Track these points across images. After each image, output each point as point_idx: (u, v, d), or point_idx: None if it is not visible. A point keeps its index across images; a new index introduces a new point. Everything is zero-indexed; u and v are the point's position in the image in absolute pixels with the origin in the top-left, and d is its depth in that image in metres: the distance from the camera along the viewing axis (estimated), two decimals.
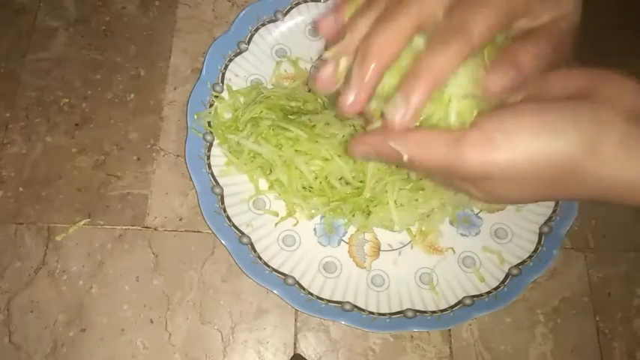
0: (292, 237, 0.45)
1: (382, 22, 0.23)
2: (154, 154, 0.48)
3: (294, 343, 0.43)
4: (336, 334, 0.44)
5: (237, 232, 0.43)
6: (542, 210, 0.46)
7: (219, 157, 0.46)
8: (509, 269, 0.44)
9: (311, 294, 0.42)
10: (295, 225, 0.45)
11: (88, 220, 0.45)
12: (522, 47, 0.23)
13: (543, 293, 0.46)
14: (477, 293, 0.43)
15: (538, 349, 0.44)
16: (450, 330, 0.44)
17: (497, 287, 0.43)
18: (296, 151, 0.43)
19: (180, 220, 0.46)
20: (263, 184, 0.46)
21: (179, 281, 0.44)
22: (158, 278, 0.44)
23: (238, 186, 0.45)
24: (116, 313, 0.43)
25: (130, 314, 0.43)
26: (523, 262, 0.44)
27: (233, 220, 0.44)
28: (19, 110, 0.48)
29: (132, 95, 0.50)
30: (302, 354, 0.43)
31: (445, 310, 0.42)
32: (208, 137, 0.46)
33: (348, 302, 0.42)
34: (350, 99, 0.24)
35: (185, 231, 0.45)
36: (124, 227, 0.45)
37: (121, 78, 0.50)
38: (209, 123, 0.46)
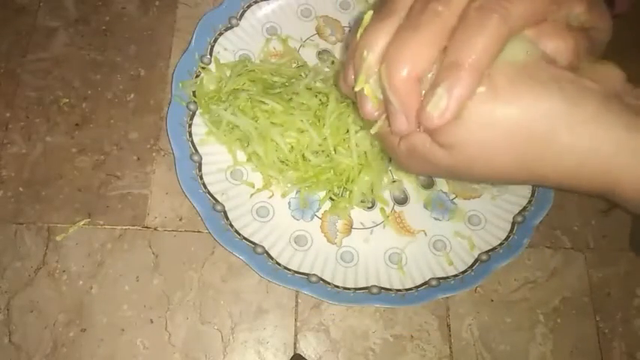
0: (266, 209, 0.46)
1: (406, 30, 0.21)
2: (153, 154, 0.48)
3: (294, 343, 0.43)
4: (336, 334, 0.44)
5: (211, 199, 0.44)
6: (518, 200, 0.47)
7: (201, 126, 0.47)
8: (478, 255, 0.45)
9: (278, 264, 0.43)
10: (270, 197, 0.46)
11: (88, 220, 0.45)
12: (574, 31, 0.22)
13: (543, 293, 0.46)
14: (444, 275, 0.44)
15: (538, 349, 0.44)
16: (450, 330, 0.44)
17: (465, 271, 0.44)
18: (272, 123, 0.44)
19: (180, 220, 0.46)
20: (242, 156, 0.47)
21: (179, 281, 0.44)
22: (158, 278, 0.44)
23: (217, 156, 0.46)
24: (116, 313, 0.43)
25: (130, 314, 0.43)
26: (493, 249, 0.45)
27: (209, 187, 0.45)
28: (19, 110, 0.48)
29: (132, 95, 0.50)
30: (302, 354, 0.43)
31: (410, 289, 0.43)
32: (192, 106, 0.47)
33: (315, 275, 0.43)
34: (401, 127, 0.22)
35: (185, 231, 0.45)
36: (124, 227, 0.45)
37: (121, 78, 0.50)
38: (194, 92, 0.47)
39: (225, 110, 0.45)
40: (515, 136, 0.21)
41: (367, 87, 0.22)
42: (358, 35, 0.23)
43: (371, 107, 0.23)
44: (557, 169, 0.22)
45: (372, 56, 0.22)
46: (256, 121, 0.44)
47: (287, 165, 0.45)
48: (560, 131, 0.20)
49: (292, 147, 0.45)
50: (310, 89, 0.46)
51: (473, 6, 0.20)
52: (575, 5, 0.22)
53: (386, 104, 0.22)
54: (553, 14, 0.21)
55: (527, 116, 0.20)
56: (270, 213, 0.45)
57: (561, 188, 0.23)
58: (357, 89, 0.23)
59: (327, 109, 0.44)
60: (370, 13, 0.23)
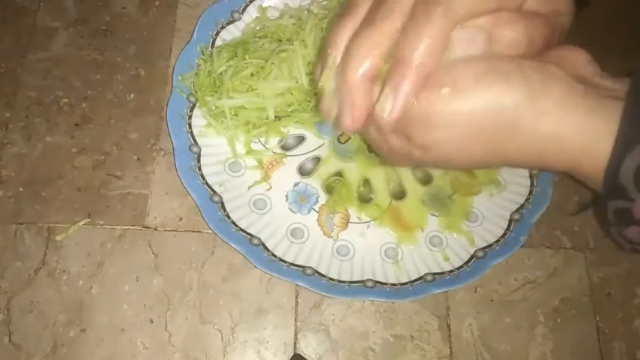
0: (264, 201, 0.46)
1: (362, 29, 0.22)
2: (154, 154, 0.48)
3: (294, 343, 0.43)
4: (336, 334, 0.44)
5: (209, 190, 0.44)
6: (516, 197, 0.47)
7: (200, 118, 0.47)
8: (474, 251, 0.45)
9: (274, 256, 0.43)
10: (268, 190, 0.46)
11: (88, 220, 0.45)
12: (529, 18, 0.22)
13: (543, 293, 0.46)
14: (440, 271, 0.44)
15: (538, 349, 0.44)
16: (450, 330, 0.44)
17: (460, 267, 0.44)
18: (263, 79, 0.45)
19: (180, 220, 0.46)
20: (241, 148, 0.47)
21: (179, 281, 0.44)
22: (158, 278, 0.44)
23: (216, 147, 0.46)
24: (116, 313, 0.43)
25: (130, 314, 0.43)
26: (489, 246, 0.45)
27: (207, 178, 0.45)
28: (19, 110, 0.48)
29: (132, 95, 0.50)
30: (302, 354, 0.43)
31: (405, 283, 0.43)
32: (192, 98, 0.47)
33: (310, 267, 0.43)
34: (345, 124, 0.23)
35: (185, 231, 0.45)
36: (124, 227, 0.45)
37: (121, 78, 0.50)
38: (193, 84, 0.47)
39: (220, 99, 0.45)
40: (483, 130, 0.21)
41: (327, 83, 0.23)
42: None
43: (327, 104, 0.23)
44: (524, 155, 0.22)
45: (335, 53, 0.22)
46: (254, 91, 0.45)
47: (308, 101, 0.46)
48: (524, 121, 0.21)
49: (297, 81, 0.45)
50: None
51: (420, 0, 0.20)
52: None
53: (339, 101, 0.23)
54: (506, 2, 0.21)
55: (493, 110, 0.21)
56: (268, 205, 0.46)
57: (531, 167, 0.24)
58: (319, 85, 0.23)
59: (305, 30, 0.44)
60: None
